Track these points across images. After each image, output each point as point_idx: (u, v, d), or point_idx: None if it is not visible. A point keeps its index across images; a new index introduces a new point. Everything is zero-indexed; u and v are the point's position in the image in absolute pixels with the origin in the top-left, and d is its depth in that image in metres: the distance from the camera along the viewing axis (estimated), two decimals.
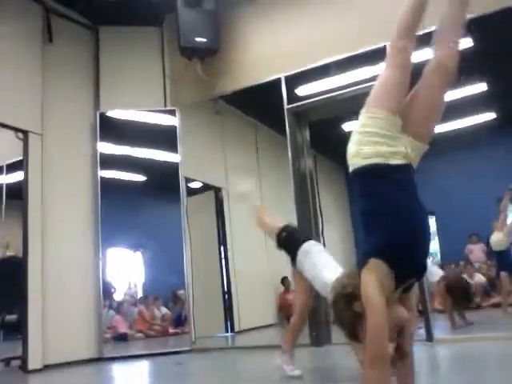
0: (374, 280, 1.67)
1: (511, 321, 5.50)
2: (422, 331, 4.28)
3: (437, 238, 9.32)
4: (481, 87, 7.16)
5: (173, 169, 5.72)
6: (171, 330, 5.68)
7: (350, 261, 10.02)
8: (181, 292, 5.62)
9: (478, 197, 8.33)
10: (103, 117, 5.71)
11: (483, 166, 8.54)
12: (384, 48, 4.72)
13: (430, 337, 4.25)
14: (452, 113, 7.66)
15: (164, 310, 5.78)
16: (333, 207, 9.72)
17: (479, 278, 7.08)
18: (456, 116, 7.92)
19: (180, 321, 5.65)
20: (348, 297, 1.72)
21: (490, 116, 8.28)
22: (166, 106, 5.92)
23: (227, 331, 6.71)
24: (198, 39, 5.36)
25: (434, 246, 8.91)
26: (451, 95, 7.61)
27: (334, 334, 4.78)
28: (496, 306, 6.32)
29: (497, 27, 4.90)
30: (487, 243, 8.10)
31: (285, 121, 5.19)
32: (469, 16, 4.36)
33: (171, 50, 5.90)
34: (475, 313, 4.97)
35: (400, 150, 1.80)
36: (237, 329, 6.73)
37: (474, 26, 4.86)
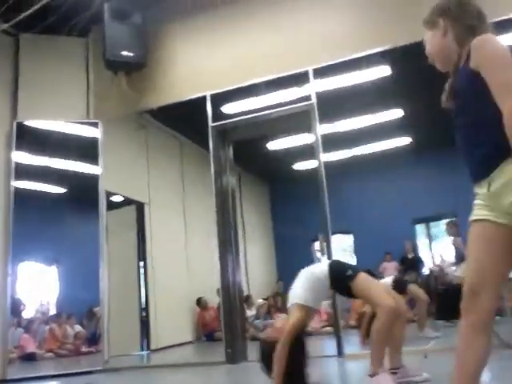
0: None
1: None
2: (333, 347, 4.43)
3: (354, 255, 9.70)
4: (397, 113, 7.58)
5: (93, 182, 5.58)
6: (84, 349, 5.47)
7: (270, 276, 10.20)
8: (97, 309, 5.45)
9: (392, 218, 8.76)
10: (21, 126, 5.50)
11: (399, 187, 9.01)
12: (307, 72, 4.94)
13: (340, 352, 4.40)
14: (370, 137, 8.06)
15: (78, 327, 5.56)
16: (256, 224, 9.84)
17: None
18: (374, 140, 8.32)
19: (95, 339, 5.46)
20: None
21: (407, 140, 8.75)
22: (88, 118, 5.79)
23: (143, 349, 6.58)
24: (124, 53, 5.30)
25: (352, 263, 9.26)
26: (370, 120, 7.95)
27: (250, 350, 4.81)
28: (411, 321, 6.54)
29: (413, 57, 5.22)
30: (400, 261, 8.53)
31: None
32: (387, 47, 4.66)
33: (96, 61, 5.79)
34: None
35: None
36: (154, 347, 6.61)
37: (392, 56, 5.20)
